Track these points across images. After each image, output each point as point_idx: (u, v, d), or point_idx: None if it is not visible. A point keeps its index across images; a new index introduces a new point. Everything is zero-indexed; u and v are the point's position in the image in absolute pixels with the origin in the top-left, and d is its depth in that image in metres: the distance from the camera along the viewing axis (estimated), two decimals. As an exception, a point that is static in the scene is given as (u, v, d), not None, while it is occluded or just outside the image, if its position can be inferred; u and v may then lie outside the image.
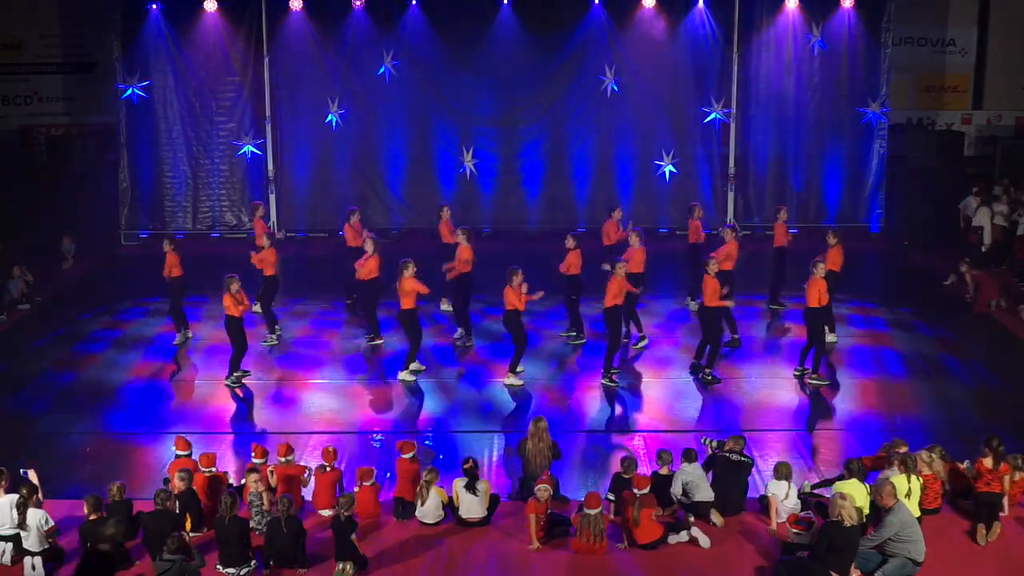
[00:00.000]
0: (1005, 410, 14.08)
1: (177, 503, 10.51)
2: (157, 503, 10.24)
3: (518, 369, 15.29)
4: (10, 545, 10.21)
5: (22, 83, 25.23)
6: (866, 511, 10.38)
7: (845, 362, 16.07)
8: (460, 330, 16.81)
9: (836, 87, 22.70)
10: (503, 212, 23.16)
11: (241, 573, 10.02)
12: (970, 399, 14.74)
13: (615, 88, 22.57)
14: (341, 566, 9.96)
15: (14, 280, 18.27)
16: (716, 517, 10.89)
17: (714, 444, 11.82)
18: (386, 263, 16.25)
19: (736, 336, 16.53)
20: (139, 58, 22.29)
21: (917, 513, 10.34)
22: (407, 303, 15.02)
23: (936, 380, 15.37)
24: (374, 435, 13.63)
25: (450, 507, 10.98)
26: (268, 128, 22.70)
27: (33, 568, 10.07)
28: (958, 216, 21.55)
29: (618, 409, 14.58)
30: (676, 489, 11.02)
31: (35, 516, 10.17)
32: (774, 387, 15.16)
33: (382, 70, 22.43)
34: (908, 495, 10.40)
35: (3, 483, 10.49)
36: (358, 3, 22.13)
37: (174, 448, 11.53)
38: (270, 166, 22.86)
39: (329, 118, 22.52)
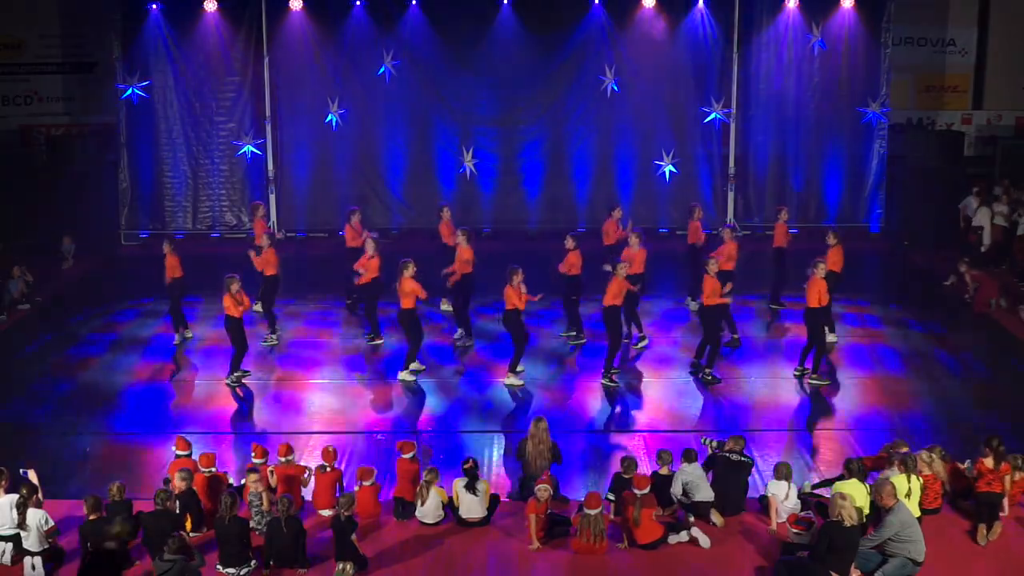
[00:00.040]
0: (1005, 410, 14.09)
1: (177, 503, 10.51)
2: (157, 503, 10.24)
3: (518, 369, 15.30)
4: (10, 545, 10.21)
5: (22, 83, 25.18)
6: (866, 511, 10.38)
7: (844, 361, 16.08)
8: (460, 330, 16.82)
9: (836, 87, 22.65)
10: (503, 212, 23.12)
11: (241, 573, 10.02)
12: (970, 399, 14.76)
13: (615, 88, 22.53)
14: (341, 566, 9.96)
15: (14, 280, 18.24)
16: (716, 517, 10.89)
17: (714, 444, 11.82)
18: (386, 263, 16.25)
19: (736, 336, 16.55)
20: (139, 58, 22.23)
21: (917, 513, 10.34)
22: (407, 303, 15.03)
23: (936, 380, 15.39)
24: (376, 435, 13.63)
25: (450, 507, 10.98)
26: (268, 128, 22.65)
27: (33, 568, 10.07)
28: (958, 216, 21.51)
29: (618, 409, 14.59)
30: (676, 489, 11.02)
31: (35, 516, 10.17)
32: (774, 387, 15.18)
33: (382, 70, 22.40)
34: (908, 495, 10.41)
35: (3, 483, 10.49)
36: (358, 3, 22.13)
37: (174, 448, 11.53)
38: (270, 166, 22.84)
39: (329, 118, 22.48)
